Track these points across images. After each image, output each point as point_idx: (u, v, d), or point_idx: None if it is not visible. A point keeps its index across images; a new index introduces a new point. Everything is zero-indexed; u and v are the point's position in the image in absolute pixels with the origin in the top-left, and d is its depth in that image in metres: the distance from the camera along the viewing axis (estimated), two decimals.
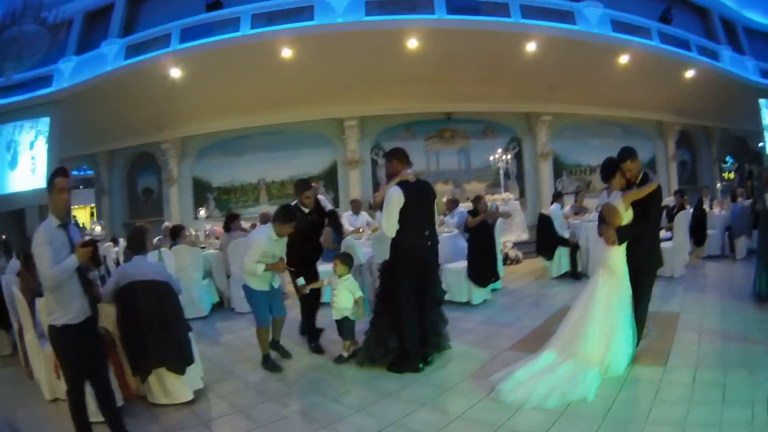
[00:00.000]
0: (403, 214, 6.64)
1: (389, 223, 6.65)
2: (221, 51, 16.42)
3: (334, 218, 9.82)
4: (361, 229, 12.02)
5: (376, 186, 19.99)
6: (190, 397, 5.79)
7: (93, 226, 15.24)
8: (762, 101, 23.45)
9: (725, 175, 28.25)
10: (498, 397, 5.54)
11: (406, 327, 6.74)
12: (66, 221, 4.55)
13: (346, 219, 12.82)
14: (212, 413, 5.64)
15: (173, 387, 5.72)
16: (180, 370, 5.69)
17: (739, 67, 23.08)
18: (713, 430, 4.71)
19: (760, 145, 24.51)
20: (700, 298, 9.79)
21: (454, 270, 9.88)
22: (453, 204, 12.89)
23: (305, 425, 5.24)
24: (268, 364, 6.82)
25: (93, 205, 24.46)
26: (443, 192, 17.67)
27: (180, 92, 17.72)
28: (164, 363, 5.65)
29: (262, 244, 6.72)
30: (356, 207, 13.64)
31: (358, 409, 5.51)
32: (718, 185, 21.35)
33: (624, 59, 18.63)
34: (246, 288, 6.93)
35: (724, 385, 5.57)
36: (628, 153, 6.39)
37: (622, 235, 6.18)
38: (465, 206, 12.80)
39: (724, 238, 14.27)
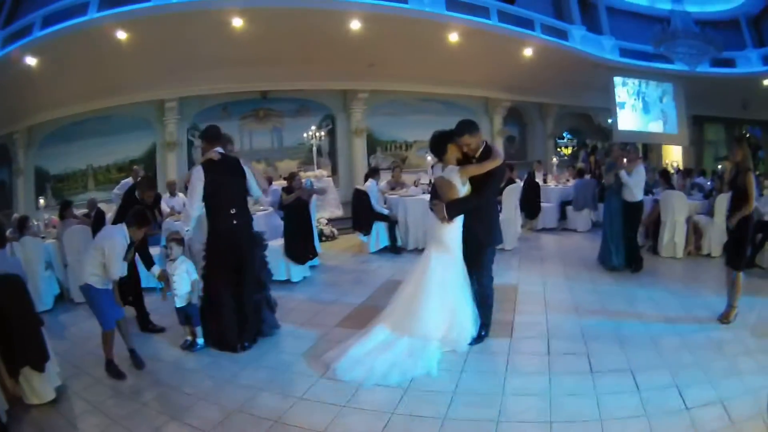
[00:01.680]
0: (208, 193, 6.96)
1: (191, 203, 7.00)
2: (67, 38, 16.54)
3: (156, 200, 10.26)
4: (178, 211, 12.22)
5: (192, 167, 20.45)
6: (53, 395, 5.79)
7: None
8: (617, 79, 24.80)
9: (562, 150, 29.40)
10: (335, 376, 5.80)
11: (220, 311, 7.09)
12: None
13: (164, 201, 13.00)
14: (74, 411, 5.64)
15: (39, 386, 5.73)
16: (40, 367, 5.67)
17: (593, 46, 24.11)
18: (589, 400, 5.08)
19: (609, 120, 25.87)
20: (538, 269, 10.78)
21: (270, 248, 9.88)
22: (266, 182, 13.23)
23: (156, 417, 5.37)
24: (112, 370, 6.48)
25: None
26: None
27: (31, 81, 17.64)
28: (28, 361, 5.63)
29: (121, 246, 6.47)
30: (172, 189, 14.14)
31: (201, 398, 5.68)
32: (554, 159, 22.31)
33: (454, 37, 19.24)
34: (89, 288, 6.46)
35: (588, 354, 6.03)
36: (466, 126, 6.46)
37: (452, 209, 6.31)
38: (278, 184, 13.51)
39: (560, 211, 15.31)
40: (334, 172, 22.37)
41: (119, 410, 5.60)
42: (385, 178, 15.23)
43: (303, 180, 12.68)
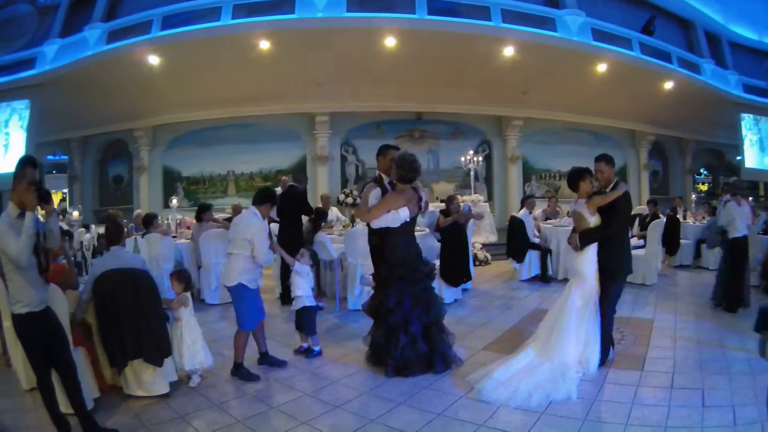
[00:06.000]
0: None
1: None
2: (200, 41, 16.05)
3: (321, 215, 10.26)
4: (331, 225, 11.94)
5: (345, 182, 20.53)
6: (166, 389, 5.66)
7: (70, 211, 14.78)
8: (743, 115, 23.70)
9: (699, 186, 28.77)
10: (479, 397, 5.58)
11: None
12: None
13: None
14: (188, 407, 5.48)
15: (149, 379, 5.58)
16: (157, 362, 5.55)
17: (721, 81, 23.12)
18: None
19: (738, 158, 24.85)
20: (673, 306, 9.94)
21: None
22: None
23: (283, 422, 5.14)
24: (242, 373, 6.24)
25: (64, 190, 23.94)
26: None
27: (156, 80, 17.41)
28: (141, 354, 5.48)
29: (263, 229, 6.37)
30: (326, 203, 13.50)
31: (336, 406, 5.46)
32: (693, 196, 21.38)
33: (601, 68, 18.62)
34: (240, 288, 6.27)
35: (703, 389, 5.77)
36: (605, 156, 6.64)
37: (583, 239, 6.36)
38: (435, 206, 12.76)
39: (696, 249, 14.47)
40: (489, 197, 21.95)
41: (244, 410, 5.46)
42: (540, 207, 14.62)
43: (461, 204, 12.09)
